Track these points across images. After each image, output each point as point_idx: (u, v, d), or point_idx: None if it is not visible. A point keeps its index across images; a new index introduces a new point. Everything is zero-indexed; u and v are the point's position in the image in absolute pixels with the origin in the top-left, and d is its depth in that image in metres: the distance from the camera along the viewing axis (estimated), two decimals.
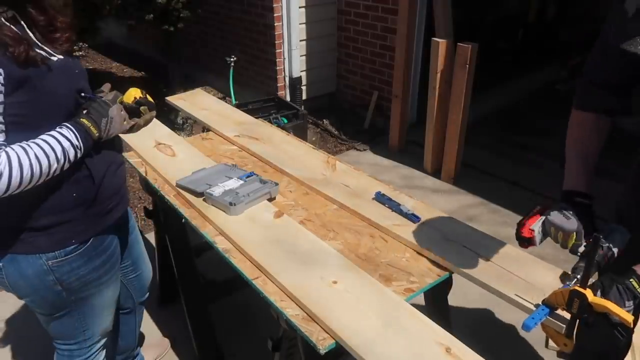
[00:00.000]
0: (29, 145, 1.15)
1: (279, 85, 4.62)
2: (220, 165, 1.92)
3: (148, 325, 2.42)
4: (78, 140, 1.22)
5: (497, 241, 1.49)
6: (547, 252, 1.55)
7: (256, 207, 1.67)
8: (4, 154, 1.11)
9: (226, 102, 5.02)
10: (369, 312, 1.21)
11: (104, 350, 1.67)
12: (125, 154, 2.09)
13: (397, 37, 3.83)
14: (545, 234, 1.27)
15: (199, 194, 1.72)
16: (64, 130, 1.21)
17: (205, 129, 2.39)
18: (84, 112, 1.26)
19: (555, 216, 1.23)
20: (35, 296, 1.38)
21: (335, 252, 1.44)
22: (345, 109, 4.85)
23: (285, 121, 3.76)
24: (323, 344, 1.15)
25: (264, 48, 4.61)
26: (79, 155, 1.24)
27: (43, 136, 1.18)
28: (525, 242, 1.26)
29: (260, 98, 4.16)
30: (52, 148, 1.17)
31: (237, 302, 2.38)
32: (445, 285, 1.54)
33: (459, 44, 3.31)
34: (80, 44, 5.85)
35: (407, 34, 3.74)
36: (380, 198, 1.68)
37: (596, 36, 1.27)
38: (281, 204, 1.72)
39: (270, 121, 3.54)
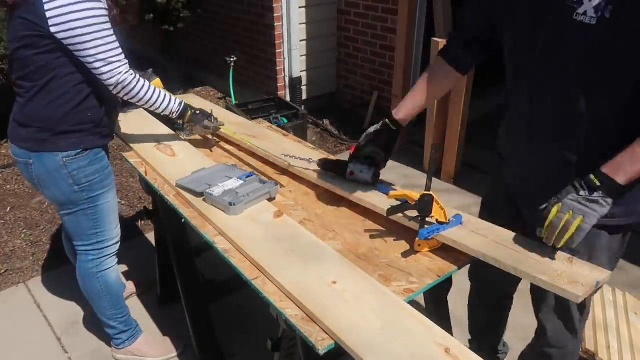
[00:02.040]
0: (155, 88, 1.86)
1: (279, 85, 4.63)
2: (220, 165, 1.92)
3: (148, 325, 2.42)
4: (177, 110, 1.95)
5: (506, 230, 1.49)
6: None
7: (256, 207, 1.67)
8: (140, 79, 1.79)
9: (226, 102, 5.03)
10: (369, 312, 1.21)
11: (115, 261, 2.09)
12: (125, 154, 2.09)
13: (397, 37, 3.83)
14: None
15: (198, 194, 1.72)
16: (177, 101, 1.95)
17: None
18: (195, 111, 2.02)
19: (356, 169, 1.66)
20: (55, 189, 1.84)
21: (335, 252, 1.44)
22: (345, 109, 4.85)
23: (285, 121, 3.76)
24: (322, 345, 1.15)
25: (264, 48, 4.61)
26: (171, 114, 1.95)
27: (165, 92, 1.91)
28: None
29: (260, 98, 4.16)
30: (164, 99, 1.89)
31: (237, 302, 2.38)
32: (445, 286, 1.54)
33: None
34: None
35: (407, 34, 3.74)
36: (385, 190, 1.67)
37: None
38: (281, 204, 1.72)
39: (270, 121, 3.54)
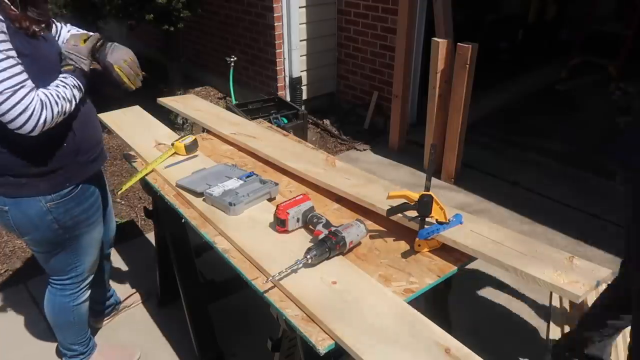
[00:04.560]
0: (49, 90, 1.41)
1: (279, 85, 4.63)
2: (220, 165, 1.92)
3: (148, 325, 2.42)
4: (75, 80, 1.50)
5: (506, 230, 1.50)
6: None
7: (256, 207, 1.68)
8: (36, 96, 1.36)
9: (226, 102, 5.02)
10: (369, 312, 1.21)
11: (89, 291, 1.97)
12: (125, 154, 2.09)
13: (397, 37, 3.83)
14: (300, 220, 1.51)
15: (198, 194, 1.72)
16: (63, 77, 1.48)
17: (205, 129, 2.38)
18: (62, 64, 1.54)
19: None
20: (36, 234, 1.63)
21: None
22: (345, 109, 4.85)
23: (285, 121, 3.76)
24: (322, 345, 1.15)
25: (264, 48, 4.61)
26: (80, 93, 1.52)
27: (55, 82, 1.45)
28: (280, 223, 1.51)
29: (260, 98, 4.16)
30: (65, 89, 1.45)
31: (237, 302, 2.38)
32: (445, 286, 1.54)
33: (459, 44, 3.31)
34: None
35: (407, 34, 3.74)
36: None
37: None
38: None
39: (270, 121, 3.54)
